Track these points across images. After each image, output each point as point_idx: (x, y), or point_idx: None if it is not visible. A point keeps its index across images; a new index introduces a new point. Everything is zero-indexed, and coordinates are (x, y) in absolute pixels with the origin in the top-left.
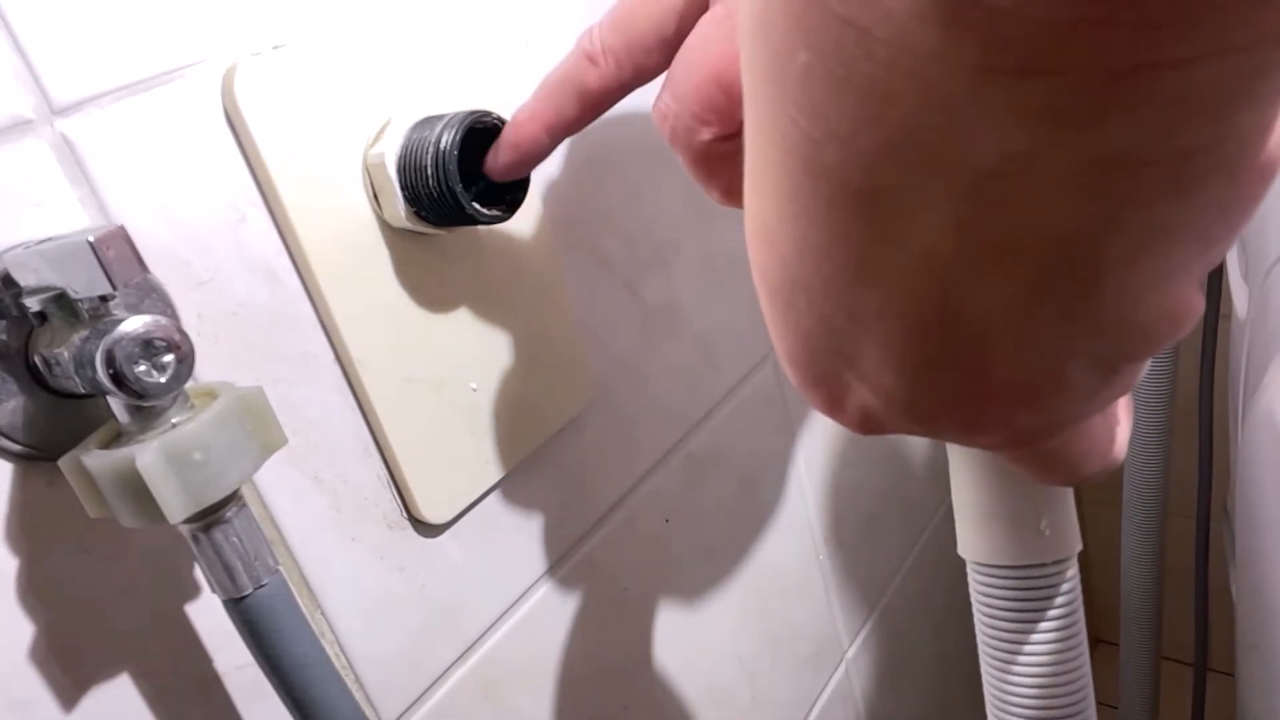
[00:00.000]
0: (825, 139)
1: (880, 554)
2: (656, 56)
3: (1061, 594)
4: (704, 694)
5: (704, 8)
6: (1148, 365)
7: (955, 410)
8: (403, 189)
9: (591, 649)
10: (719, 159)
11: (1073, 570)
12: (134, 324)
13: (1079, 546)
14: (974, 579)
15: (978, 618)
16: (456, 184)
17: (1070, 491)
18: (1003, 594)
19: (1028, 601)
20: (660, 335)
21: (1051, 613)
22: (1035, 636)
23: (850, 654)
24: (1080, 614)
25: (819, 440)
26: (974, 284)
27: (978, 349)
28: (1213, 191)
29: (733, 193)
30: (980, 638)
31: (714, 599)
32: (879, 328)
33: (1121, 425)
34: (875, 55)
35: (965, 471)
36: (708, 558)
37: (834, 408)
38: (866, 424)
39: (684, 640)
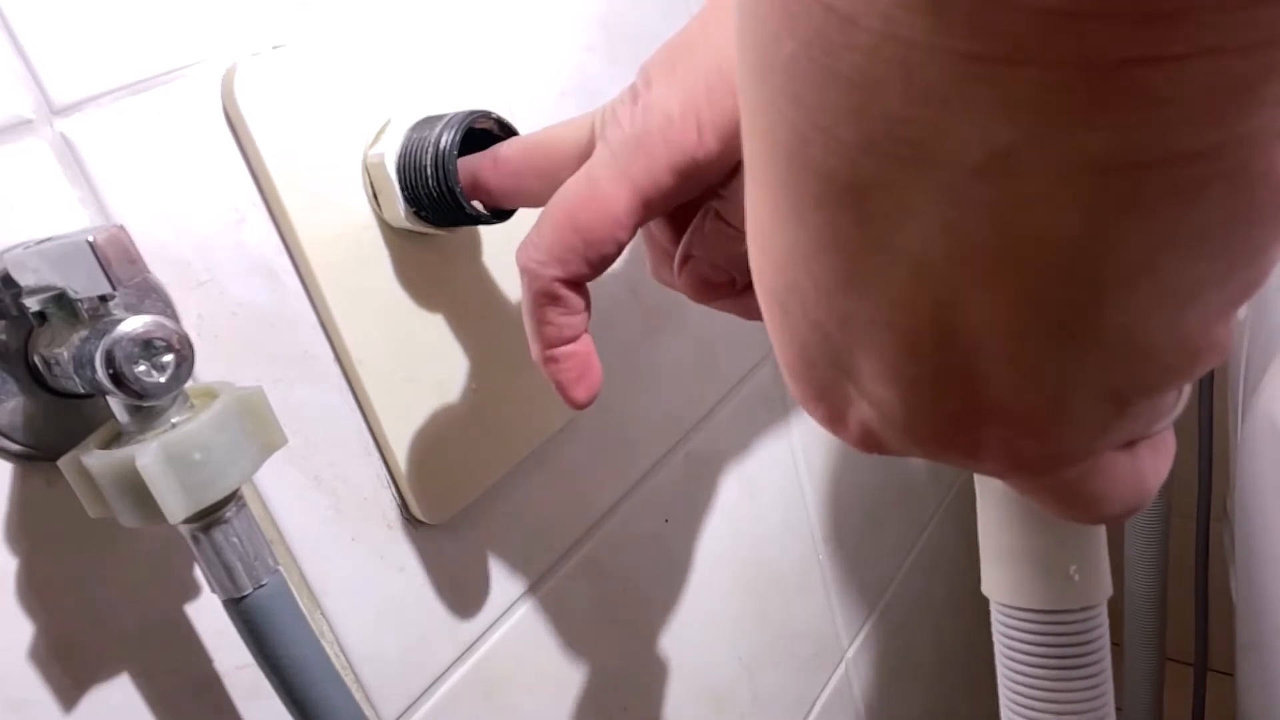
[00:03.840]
0: (811, 131)
1: (880, 554)
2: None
3: (1090, 642)
4: (704, 694)
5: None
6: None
7: (953, 431)
8: (403, 189)
9: (591, 649)
10: (553, 303)
11: (1102, 617)
12: (134, 324)
13: (1109, 592)
14: (997, 620)
15: (999, 660)
16: (456, 184)
17: (1103, 534)
18: (1027, 638)
19: (1053, 648)
20: (660, 335)
21: (1078, 661)
22: (1060, 684)
23: (850, 654)
24: (1108, 662)
25: (819, 440)
26: (965, 295)
27: (973, 366)
28: (1218, 203)
29: (559, 341)
30: (1001, 680)
31: (714, 599)
32: (872, 338)
33: (1153, 465)
34: (859, 43)
35: (992, 508)
36: (708, 558)
37: (835, 422)
38: (868, 441)
39: (684, 640)
